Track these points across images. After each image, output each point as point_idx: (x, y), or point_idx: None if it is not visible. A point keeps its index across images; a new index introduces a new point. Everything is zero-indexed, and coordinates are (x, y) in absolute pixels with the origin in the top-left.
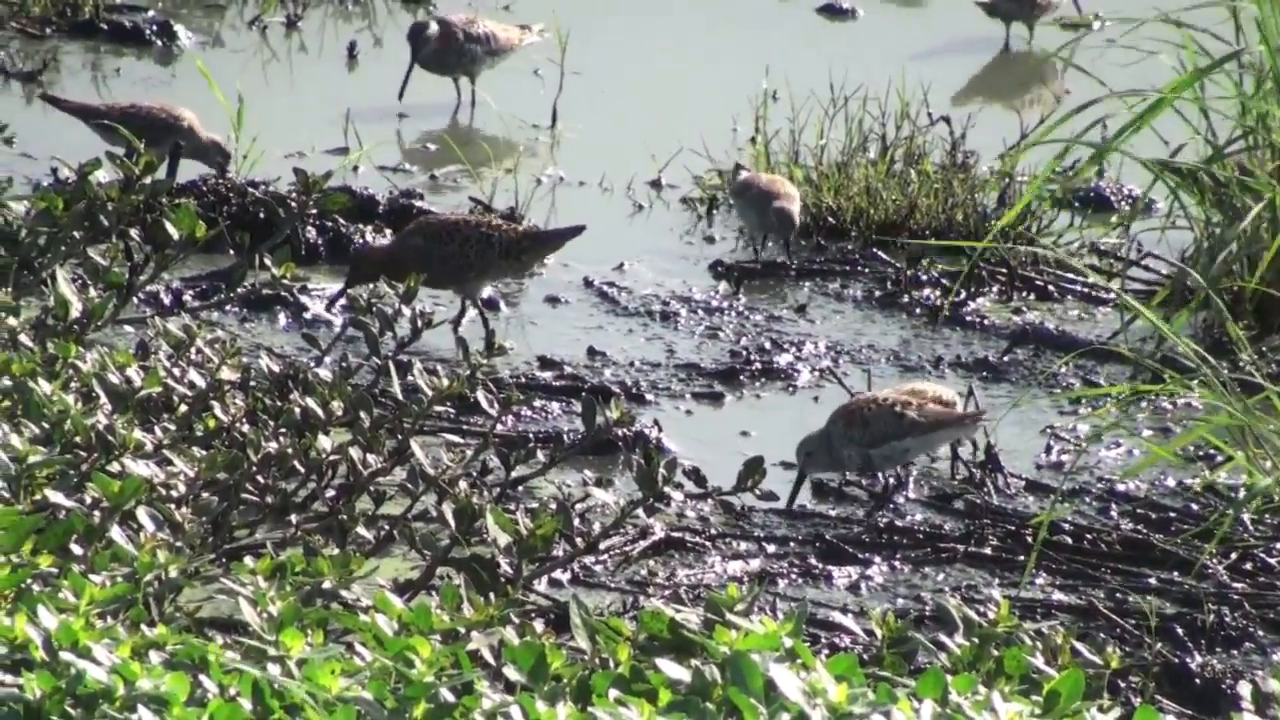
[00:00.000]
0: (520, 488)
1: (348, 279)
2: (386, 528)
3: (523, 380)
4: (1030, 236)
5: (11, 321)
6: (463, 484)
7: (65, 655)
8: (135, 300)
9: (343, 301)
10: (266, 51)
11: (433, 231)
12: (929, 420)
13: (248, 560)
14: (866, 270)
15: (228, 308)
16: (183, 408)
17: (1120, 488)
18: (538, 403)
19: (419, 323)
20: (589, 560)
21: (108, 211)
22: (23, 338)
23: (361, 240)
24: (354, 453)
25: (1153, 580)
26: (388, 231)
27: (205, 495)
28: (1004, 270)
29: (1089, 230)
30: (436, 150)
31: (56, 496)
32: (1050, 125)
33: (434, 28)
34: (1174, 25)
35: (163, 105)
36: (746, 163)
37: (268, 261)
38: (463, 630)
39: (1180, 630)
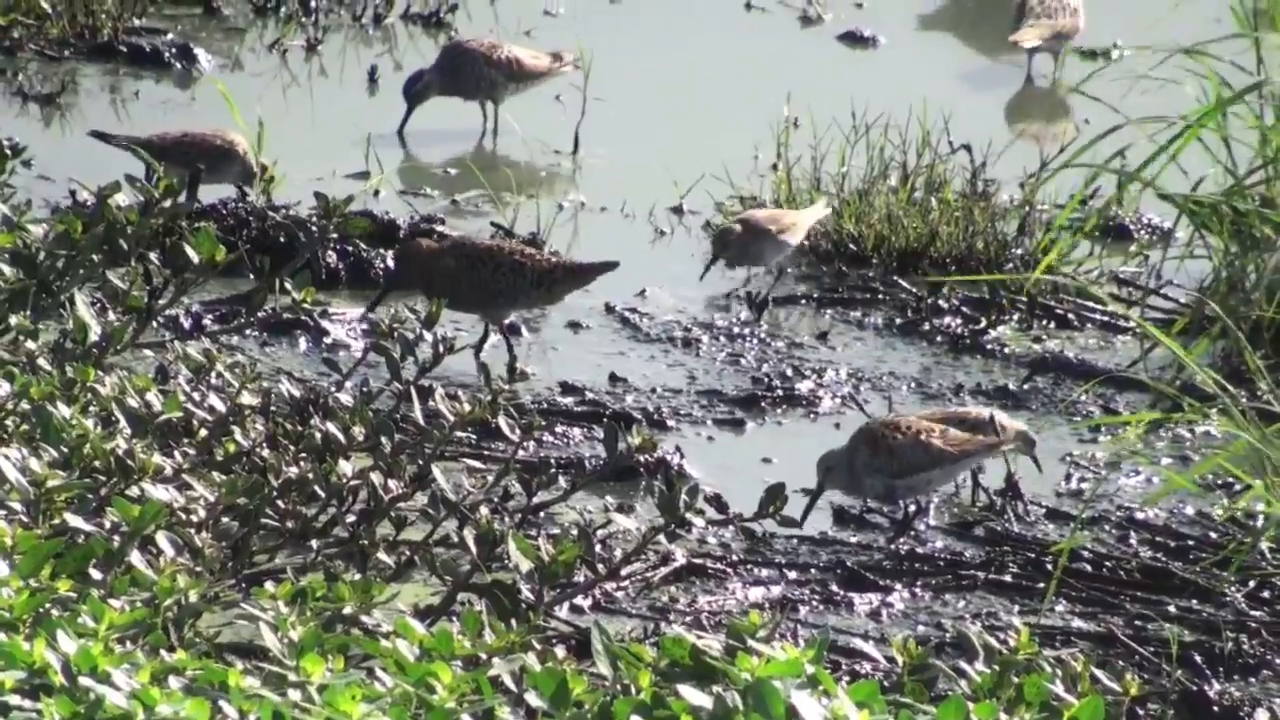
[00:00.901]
0: (542, 514)
1: (393, 274)
2: (407, 553)
3: (544, 406)
4: (1051, 266)
5: (30, 345)
6: (484, 509)
7: (84, 680)
8: (155, 324)
9: (371, 316)
10: (286, 75)
11: (466, 254)
12: (956, 449)
13: (268, 585)
14: (887, 298)
15: (248, 332)
16: (203, 432)
17: (1139, 515)
18: (559, 428)
19: (440, 348)
20: (610, 586)
21: (127, 235)
22: (41, 361)
23: (384, 265)
24: (375, 478)
25: (1172, 608)
26: None
27: (225, 520)
28: (1024, 298)
29: (1108, 259)
30: (458, 175)
31: (76, 521)
32: (1074, 153)
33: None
34: (1195, 56)
35: (215, 131)
36: (767, 190)
37: (288, 285)
38: (484, 656)
39: (1199, 658)
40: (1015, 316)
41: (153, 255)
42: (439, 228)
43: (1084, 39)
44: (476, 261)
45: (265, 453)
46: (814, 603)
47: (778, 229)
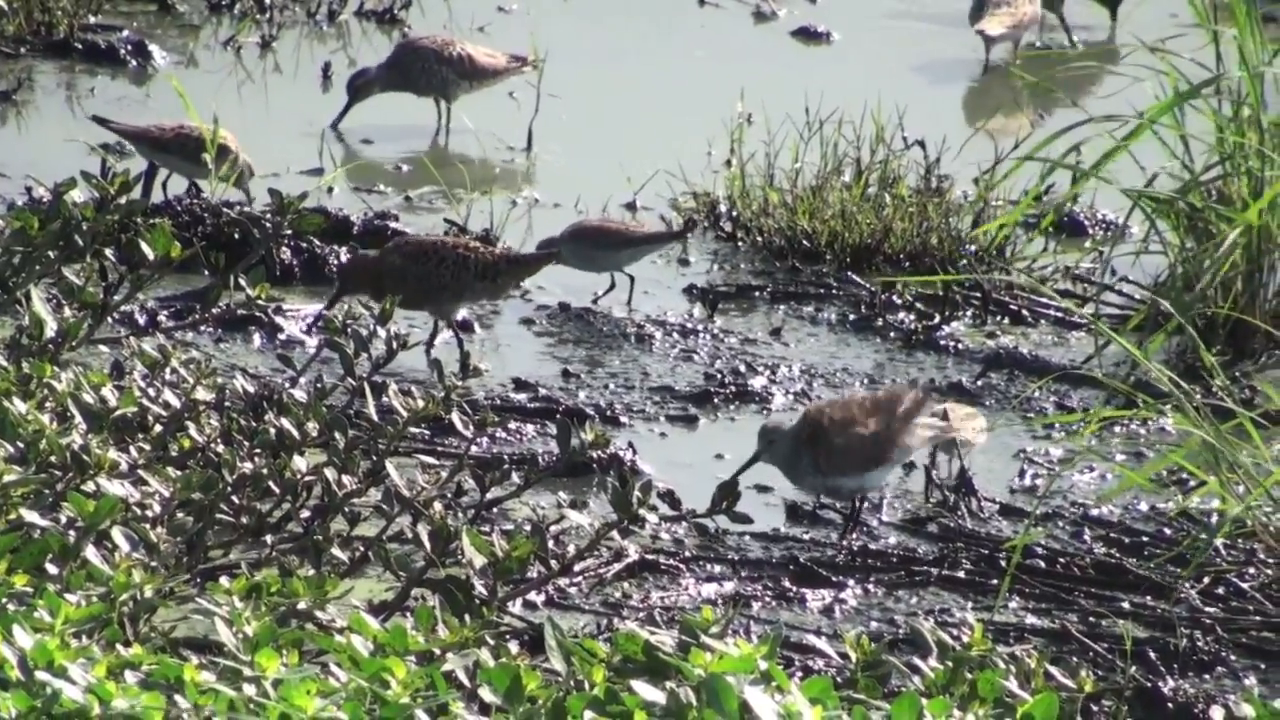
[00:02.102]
0: (495, 509)
1: (338, 289)
2: (361, 549)
3: (498, 402)
4: (1004, 263)
5: None
6: (438, 505)
7: (41, 675)
8: (110, 320)
9: (321, 322)
10: (241, 72)
11: (410, 251)
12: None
13: (223, 580)
14: (841, 294)
15: (203, 328)
16: (158, 428)
17: (1094, 512)
18: (512, 425)
19: (394, 344)
20: (564, 582)
21: (83, 231)
22: None
23: (337, 261)
24: (329, 474)
25: (1126, 604)
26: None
27: (180, 515)
28: (978, 294)
29: (1063, 255)
30: (411, 171)
31: (31, 516)
32: (1032, 149)
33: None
34: (1153, 51)
35: (207, 128)
36: (721, 186)
37: (243, 282)
38: (438, 651)
39: (1153, 654)
40: (969, 312)
41: (108, 251)
42: (393, 224)
43: (1042, 34)
44: (420, 256)
45: (220, 448)
46: (767, 599)
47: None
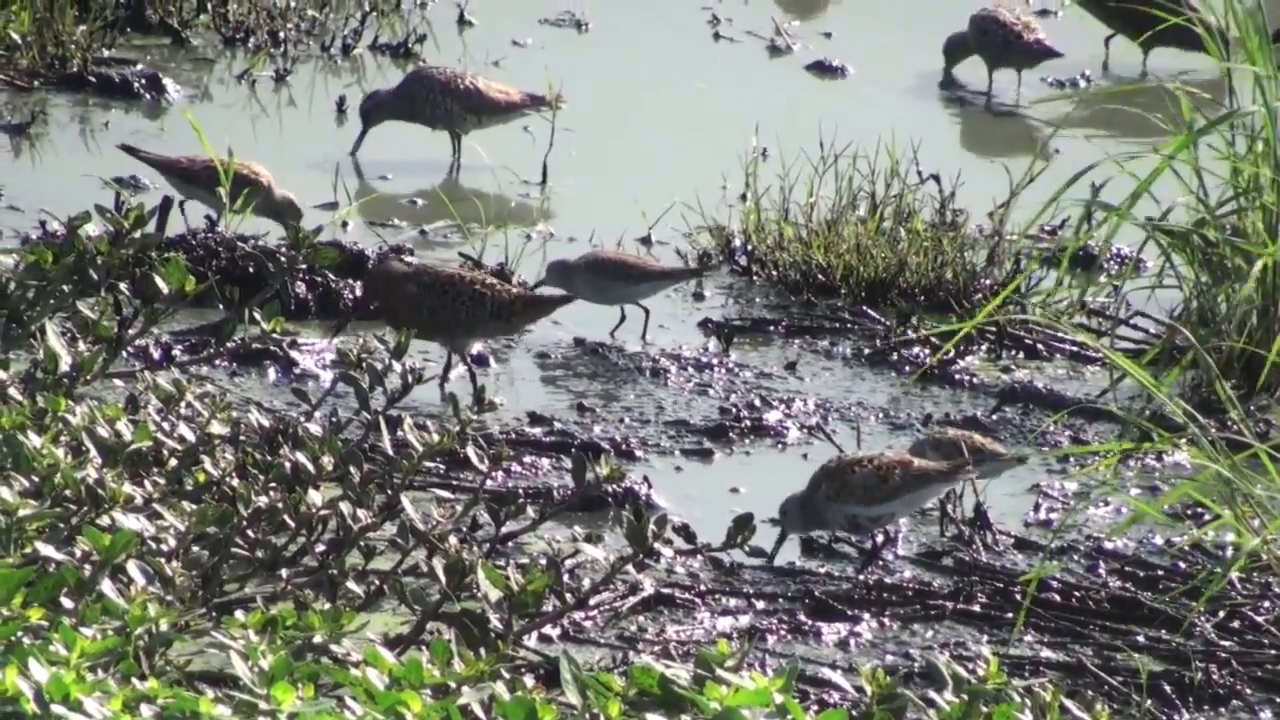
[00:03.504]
0: (510, 543)
1: (364, 295)
2: (377, 582)
3: (513, 436)
4: (1020, 298)
5: (1, 375)
6: (453, 539)
7: (56, 708)
8: (125, 354)
9: (340, 346)
10: (255, 106)
11: (428, 282)
12: (916, 478)
13: (238, 614)
14: (856, 328)
15: (217, 362)
16: (173, 462)
17: (1108, 545)
18: (528, 459)
19: (409, 378)
20: (579, 616)
21: (97, 265)
22: (12, 391)
23: (352, 296)
24: (344, 507)
25: (1141, 638)
26: None
27: (195, 549)
28: (993, 328)
29: (1077, 289)
30: (426, 205)
31: (47, 549)
32: (1057, 191)
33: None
34: (1167, 86)
35: (242, 162)
36: (736, 220)
37: (257, 316)
38: (453, 685)
39: (1168, 688)
40: (984, 347)
41: (123, 285)
42: (408, 258)
43: (1054, 69)
44: (438, 290)
45: (235, 482)
46: (782, 632)
47: None
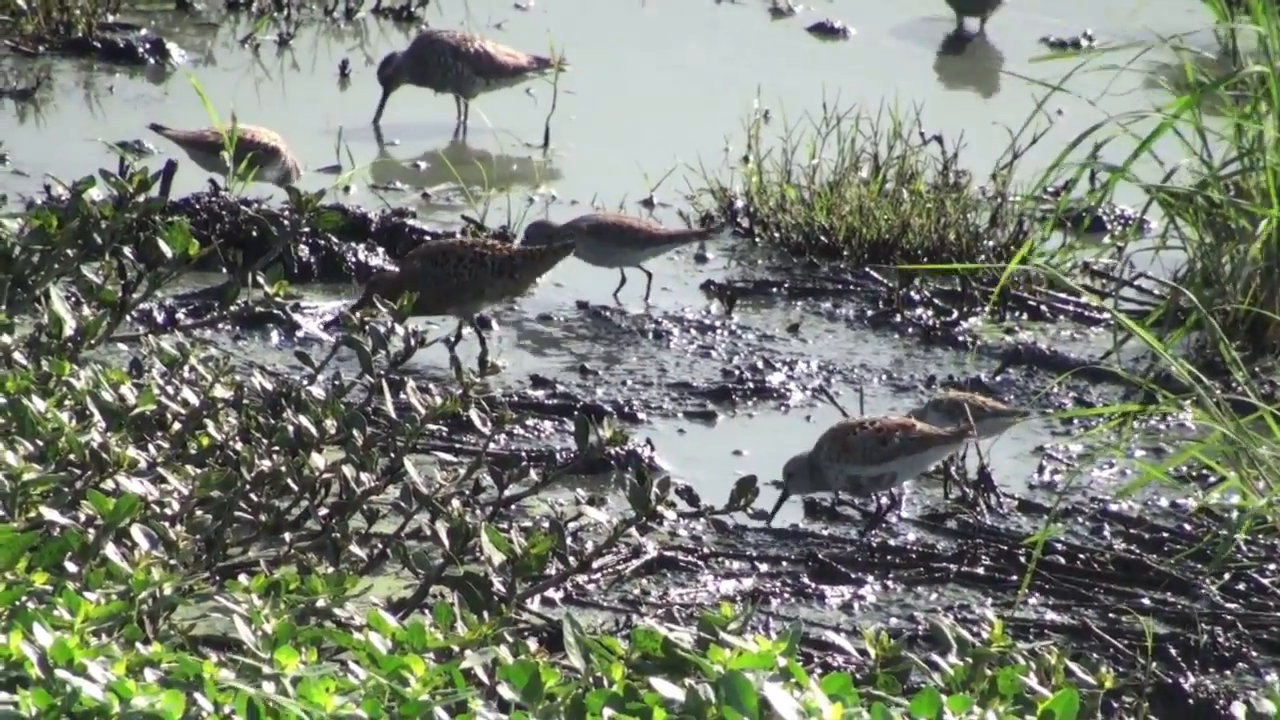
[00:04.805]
0: (513, 506)
1: (359, 303)
2: (380, 546)
3: (516, 399)
4: (1024, 257)
5: (5, 339)
6: (456, 503)
7: (61, 673)
8: (129, 318)
9: (343, 309)
10: (259, 70)
11: (429, 254)
12: (918, 441)
13: (242, 578)
14: (859, 290)
15: (221, 326)
16: (176, 426)
17: (1113, 508)
18: (530, 421)
19: (412, 341)
20: (582, 579)
21: (101, 229)
22: (17, 355)
23: (355, 259)
24: (347, 471)
25: (1146, 600)
26: (380, 250)
27: (199, 513)
28: (996, 290)
29: (1081, 250)
30: (428, 169)
31: (51, 514)
32: (1058, 158)
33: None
34: (1172, 47)
35: (259, 130)
36: (738, 182)
37: (260, 279)
38: (456, 649)
39: (1174, 650)
40: (987, 308)
41: (127, 250)
42: (410, 221)
43: (1057, 30)
44: (438, 258)
45: (238, 446)
46: (786, 595)
47: None
